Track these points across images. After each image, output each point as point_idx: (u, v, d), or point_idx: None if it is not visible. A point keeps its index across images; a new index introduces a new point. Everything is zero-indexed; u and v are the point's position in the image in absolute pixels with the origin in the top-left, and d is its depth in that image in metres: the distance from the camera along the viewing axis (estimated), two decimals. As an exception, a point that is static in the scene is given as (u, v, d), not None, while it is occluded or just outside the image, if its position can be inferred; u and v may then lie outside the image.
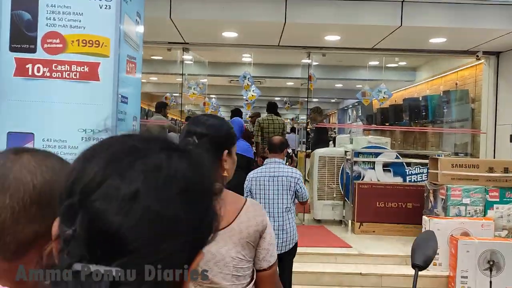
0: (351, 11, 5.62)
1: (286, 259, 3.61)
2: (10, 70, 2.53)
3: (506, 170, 5.25)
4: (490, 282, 4.52)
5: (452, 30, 5.87)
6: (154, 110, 8.89)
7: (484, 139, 7.13)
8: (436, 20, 5.67)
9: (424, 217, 5.22)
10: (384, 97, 7.50)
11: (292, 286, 3.84)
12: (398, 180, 6.53)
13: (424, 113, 8.96)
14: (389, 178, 6.54)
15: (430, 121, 8.97)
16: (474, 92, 7.61)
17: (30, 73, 2.53)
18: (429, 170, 5.75)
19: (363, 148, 6.75)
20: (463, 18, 5.65)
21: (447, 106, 8.27)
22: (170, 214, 0.55)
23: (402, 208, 6.19)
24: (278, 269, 1.79)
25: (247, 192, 3.70)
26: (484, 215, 5.17)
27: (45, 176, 0.80)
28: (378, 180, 6.51)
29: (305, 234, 5.39)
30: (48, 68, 2.54)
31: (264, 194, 3.66)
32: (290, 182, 3.69)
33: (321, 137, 8.08)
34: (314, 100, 12.25)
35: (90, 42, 2.56)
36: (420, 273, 1.71)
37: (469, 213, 5.17)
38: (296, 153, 10.45)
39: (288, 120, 17.37)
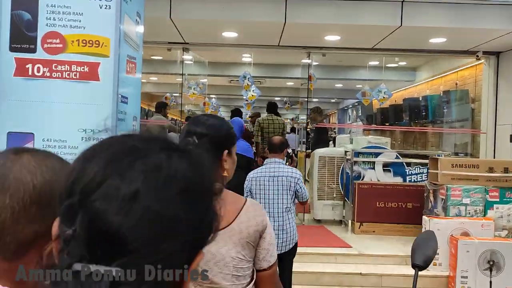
0: (351, 11, 5.62)
1: (286, 259, 3.60)
2: (10, 70, 2.53)
3: (506, 170, 5.24)
4: (490, 282, 4.52)
5: (452, 30, 5.87)
6: (154, 110, 8.89)
7: (484, 139, 7.13)
8: (436, 20, 5.67)
9: (424, 217, 5.22)
10: (384, 97, 7.49)
11: (292, 286, 3.84)
12: (398, 180, 6.53)
13: (424, 113, 8.96)
14: (389, 178, 6.54)
15: (430, 121, 8.96)
16: (474, 92, 7.61)
17: (30, 73, 2.53)
18: (429, 170, 5.74)
19: (363, 148, 6.74)
20: (463, 18, 5.65)
21: (447, 106, 8.26)
22: (170, 214, 0.55)
23: (402, 208, 6.19)
24: (278, 269, 1.78)
25: (247, 192, 3.70)
26: (484, 215, 5.17)
27: (45, 176, 0.80)
28: (378, 180, 6.51)
29: (305, 234, 5.38)
30: (48, 68, 2.54)
31: (264, 194, 3.66)
32: (290, 182, 3.69)
33: (321, 137, 8.08)
34: (314, 100, 12.25)
35: (90, 42, 2.56)
36: (420, 273, 1.71)
37: (469, 213, 5.17)
38: (296, 153, 10.44)
39: (288, 120, 17.37)
